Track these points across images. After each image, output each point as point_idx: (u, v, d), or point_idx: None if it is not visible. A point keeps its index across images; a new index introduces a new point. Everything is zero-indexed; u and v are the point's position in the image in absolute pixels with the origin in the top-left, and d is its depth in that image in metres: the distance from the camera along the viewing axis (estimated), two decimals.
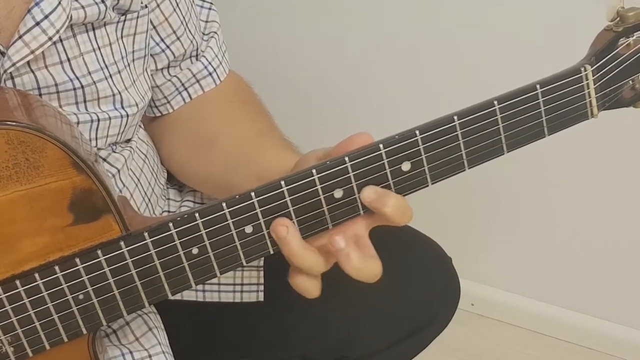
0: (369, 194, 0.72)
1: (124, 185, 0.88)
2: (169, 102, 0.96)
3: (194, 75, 0.95)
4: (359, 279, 0.73)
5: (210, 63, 0.96)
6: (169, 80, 0.95)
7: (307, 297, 0.75)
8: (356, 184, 0.72)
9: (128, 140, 0.90)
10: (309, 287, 0.74)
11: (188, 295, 0.97)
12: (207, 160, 0.93)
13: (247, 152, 0.90)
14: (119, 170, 0.87)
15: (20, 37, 0.75)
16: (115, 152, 0.87)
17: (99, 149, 0.85)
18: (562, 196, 1.56)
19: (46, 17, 0.75)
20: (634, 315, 1.60)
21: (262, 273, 0.98)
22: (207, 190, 0.98)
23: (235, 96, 0.98)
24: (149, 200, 0.93)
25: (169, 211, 0.99)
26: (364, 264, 0.72)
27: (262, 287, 0.98)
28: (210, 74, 0.96)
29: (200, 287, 0.97)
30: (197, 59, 0.96)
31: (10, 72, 0.76)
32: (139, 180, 0.91)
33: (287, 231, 0.71)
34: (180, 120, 0.97)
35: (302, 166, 0.76)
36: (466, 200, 1.60)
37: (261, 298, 0.99)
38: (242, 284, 0.98)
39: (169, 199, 1.00)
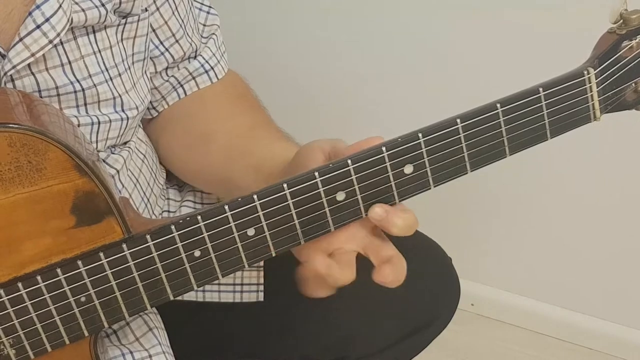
0: (378, 212, 0.73)
1: (122, 185, 0.88)
2: (164, 98, 0.96)
3: (190, 73, 0.95)
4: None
5: (207, 61, 0.96)
6: (167, 80, 0.95)
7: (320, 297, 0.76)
8: (359, 186, 0.72)
9: (126, 142, 0.90)
10: (326, 292, 0.75)
11: (188, 296, 0.96)
12: (204, 155, 0.93)
13: (243, 144, 0.90)
14: (118, 171, 0.87)
15: (20, 39, 0.74)
16: (114, 153, 0.87)
17: (98, 151, 0.85)
18: (562, 196, 1.56)
19: (47, 20, 0.75)
20: (634, 315, 1.60)
21: (262, 273, 0.98)
22: (206, 186, 0.98)
23: (230, 90, 0.98)
24: (148, 200, 0.93)
25: (168, 211, 0.99)
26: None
27: (262, 287, 0.98)
28: (207, 71, 0.96)
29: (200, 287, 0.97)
30: (194, 59, 0.96)
31: (11, 75, 0.76)
32: (137, 180, 0.91)
33: (328, 266, 0.73)
34: (176, 118, 0.97)
35: (304, 156, 0.77)
36: (466, 200, 1.60)
37: (261, 298, 0.98)
38: (242, 284, 0.98)
39: (168, 198, 1.00)
